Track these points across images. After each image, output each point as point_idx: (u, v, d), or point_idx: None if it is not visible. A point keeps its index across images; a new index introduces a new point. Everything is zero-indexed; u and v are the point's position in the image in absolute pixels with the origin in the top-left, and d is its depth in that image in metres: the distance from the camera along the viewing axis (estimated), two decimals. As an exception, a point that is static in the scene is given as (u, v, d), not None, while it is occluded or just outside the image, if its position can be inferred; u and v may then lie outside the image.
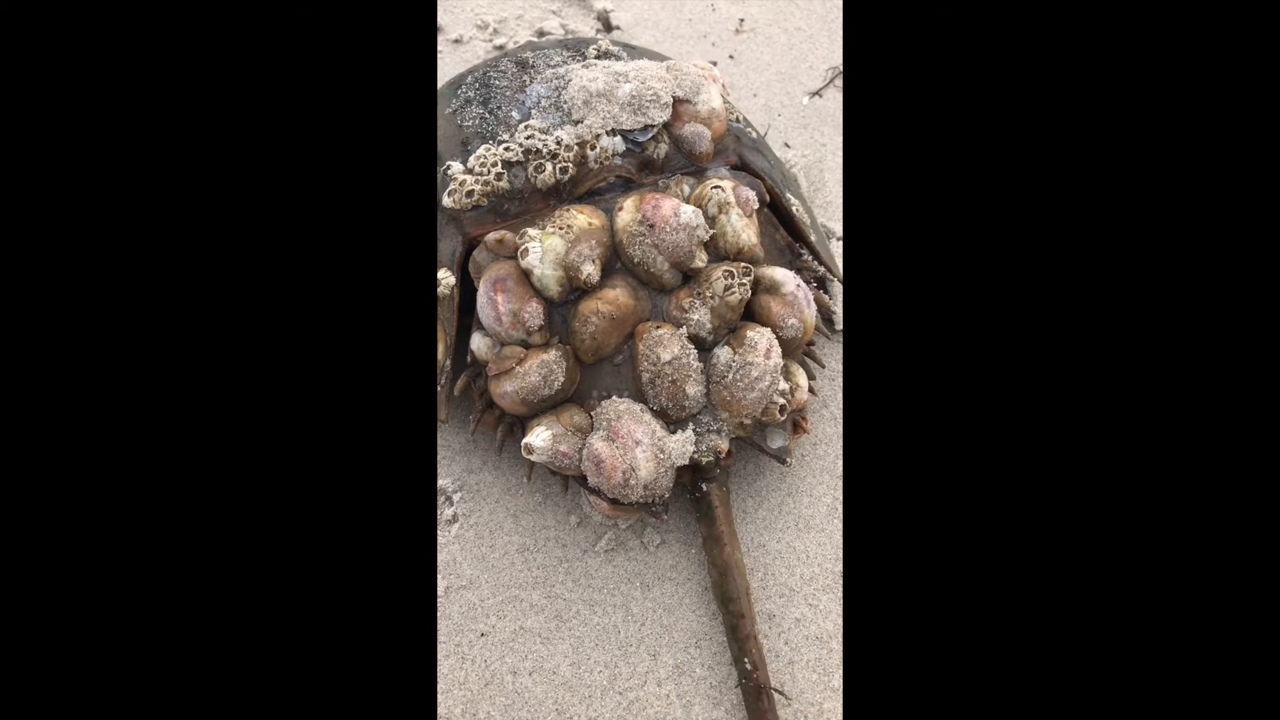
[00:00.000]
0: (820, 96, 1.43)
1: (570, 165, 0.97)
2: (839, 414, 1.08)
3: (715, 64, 1.47)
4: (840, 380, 1.11)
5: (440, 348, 0.98)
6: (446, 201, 0.97)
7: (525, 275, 0.93)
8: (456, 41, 1.48)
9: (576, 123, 0.99)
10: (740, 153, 1.07)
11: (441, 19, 1.51)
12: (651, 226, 0.93)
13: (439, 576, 0.96)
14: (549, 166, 0.97)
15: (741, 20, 1.54)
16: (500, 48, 1.46)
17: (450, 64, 1.44)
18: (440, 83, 1.41)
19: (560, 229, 0.93)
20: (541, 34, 1.48)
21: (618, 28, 1.51)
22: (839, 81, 1.44)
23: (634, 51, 1.15)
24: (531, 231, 0.93)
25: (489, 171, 0.97)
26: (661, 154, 1.02)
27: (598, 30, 1.50)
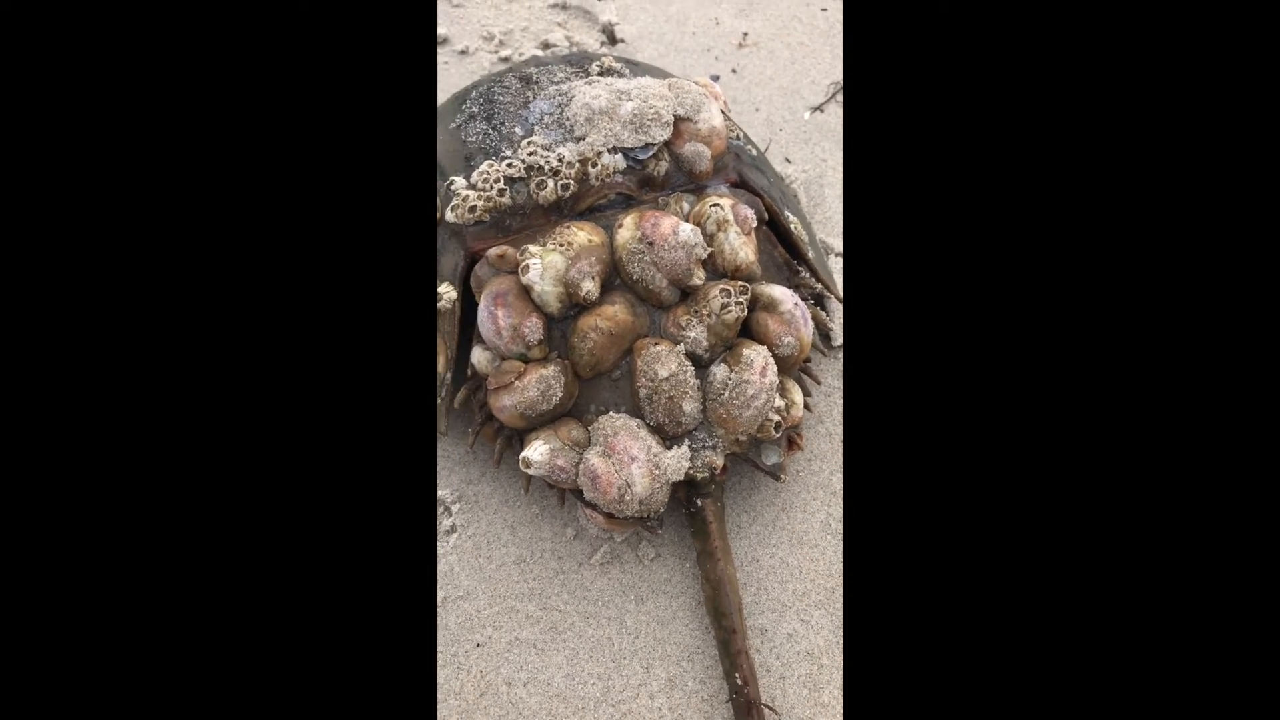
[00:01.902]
0: (822, 111, 1.44)
1: (572, 182, 0.99)
2: (834, 430, 1.09)
3: (718, 78, 1.49)
4: (836, 397, 1.12)
5: (441, 360, 0.99)
6: (450, 216, 0.99)
7: (526, 291, 0.94)
8: (463, 53, 1.49)
9: (579, 140, 1.01)
10: (740, 170, 1.08)
11: (448, 30, 1.52)
12: (650, 244, 0.94)
13: (437, 587, 0.97)
14: (551, 183, 0.98)
15: (745, 34, 1.56)
16: (506, 60, 1.48)
17: (456, 75, 1.46)
18: (444, 97, 1.42)
19: (561, 246, 0.95)
20: (547, 46, 1.49)
21: (622, 40, 1.52)
22: (840, 97, 1.45)
23: (637, 68, 1.16)
24: (532, 248, 0.94)
25: (491, 187, 0.98)
26: (662, 171, 1.03)
27: (602, 43, 1.52)
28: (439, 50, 1.50)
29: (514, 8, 1.57)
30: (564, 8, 1.57)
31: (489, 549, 1.00)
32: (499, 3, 1.58)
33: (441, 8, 1.56)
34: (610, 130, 1.00)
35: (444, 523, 1.01)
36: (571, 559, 0.99)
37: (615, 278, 0.98)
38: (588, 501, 0.93)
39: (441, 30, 1.51)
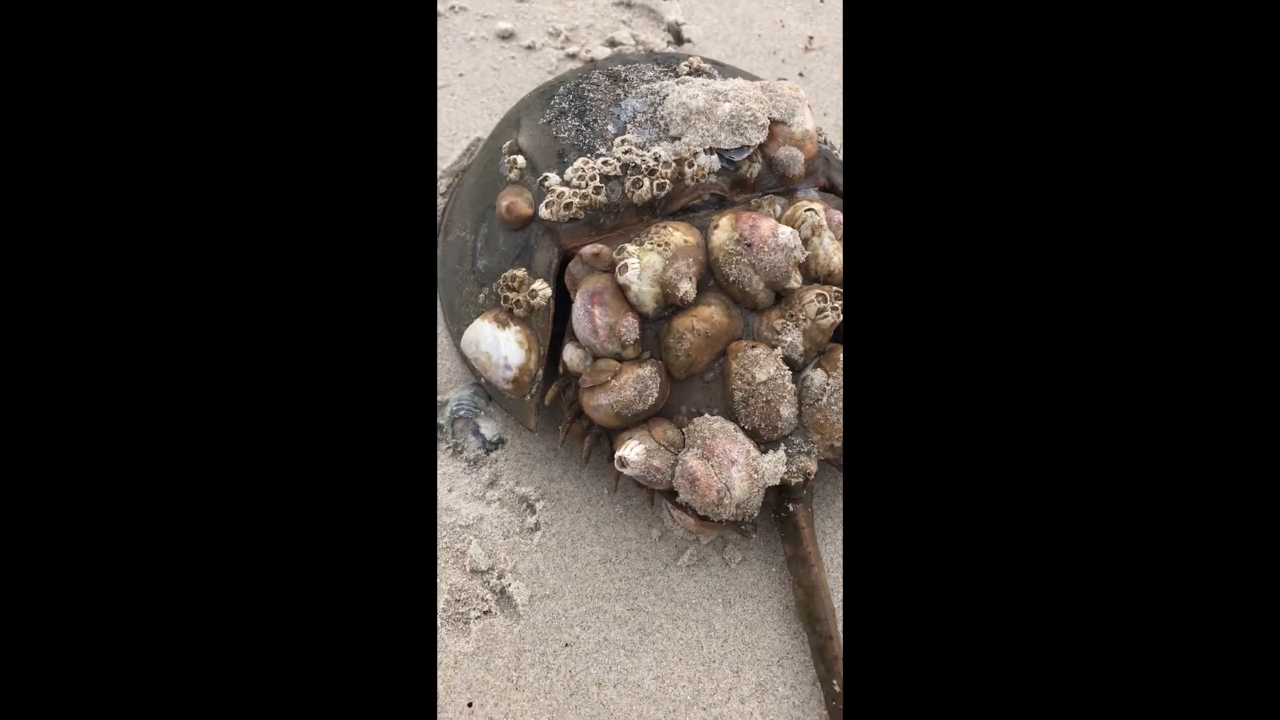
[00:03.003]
0: (890, 117, 1.44)
1: (668, 182, 0.98)
2: (915, 437, 1.09)
3: (784, 82, 1.48)
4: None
5: (532, 357, 0.98)
6: (544, 213, 0.98)
7: (622, 290, 0.94)
8: (529, 48, 1.48)
9: (674, 139, 1.00)
10: (829, 174, 1.08)
11: (514, 25, 1.51)
12: (749, 246, 0.93)
13: (523, 584, 0.97)
14: (646, 182, 0.98)
15: (810, 38, 1.55)
16: (573, 55, 1.47)
17: (524, 70, 1.45)
18: (514, 90, 1.42)
19: (658, 246, 0.94)
20: (613, 44, 1.49)
21: (689, 41, 1.51)
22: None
23: (724, 69, 1.16)
24: (630, 248, 0.94)
25: (587, 185, 0.98)
26: (755, 174, 1.02)
27: (669, 42, 1.51)
28: (505, 44, 1.49)
29: (579, 4, 1.56)
30: (629, 6, 1.57)
31: (574, 547, 0.99)
32: (564, -1, 1.57)
33: (507, 2, 1.55)
34: (707, 131, 1.00)
35: (528, 520, 1.01)
36: (657, 560, 0.99)
37: (709, 279, 0.97)
38: (679, 503, 0.93)
39: (507, 24, 1.50)
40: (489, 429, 1.07)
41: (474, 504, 1.02)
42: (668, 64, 1.13)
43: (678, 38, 1.52)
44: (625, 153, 0.99)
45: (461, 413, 1.06)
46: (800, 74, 1.49)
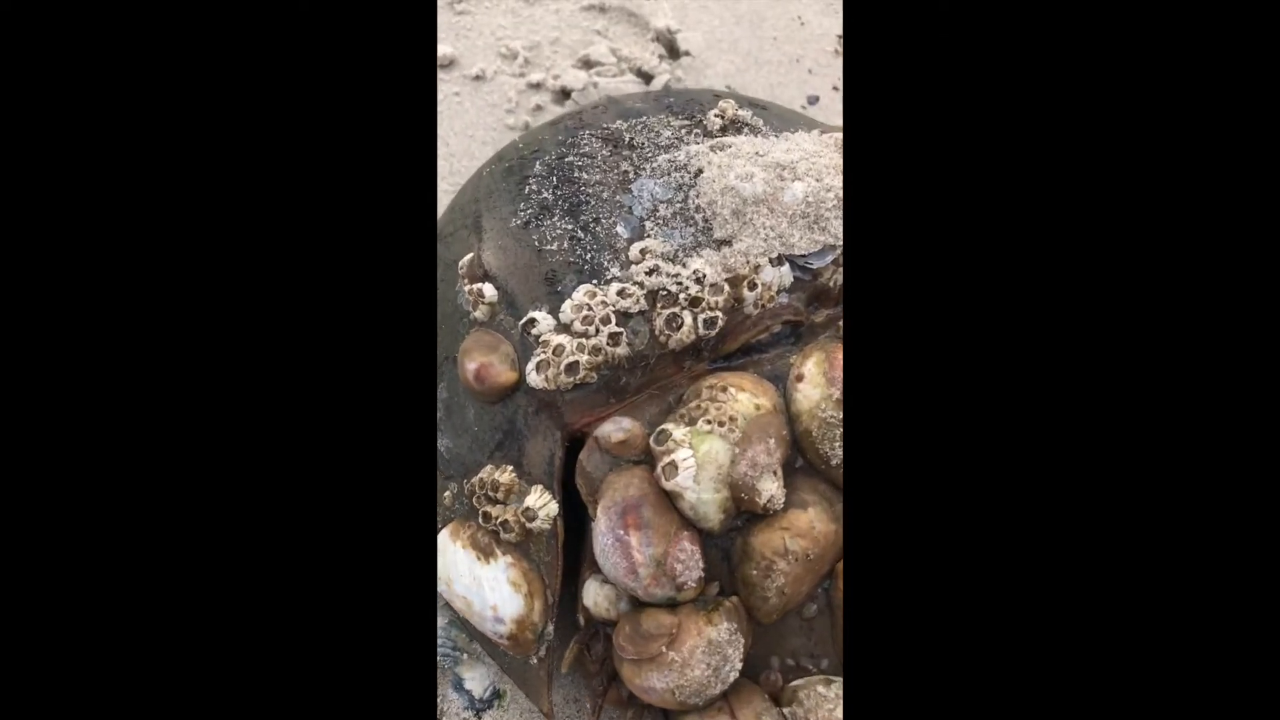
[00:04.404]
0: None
1: (719, 315, 0.64)
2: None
3: (817, 100, 1.14)
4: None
5: (536, 605, 0.64)
6: (534, 379, 0.63)
7: (669, 496, 0.60)
8: (478, 78, 1.11)
9: (721, 244, 0.66)
10: (936, 262, 0.75)
11: (454, 48, 1.14)
12: (859, 414, 0.60)
13: None
14: (688, 319, 0.63)
15: (839, 37, 1.21)
16: (537, 85, 1.11)
17: (473, 109, 1.09)
18: (463, 142, 1.05)
19: (718, 424, 0.60)
20: (588, 64, 1.13)
21: (686, 53, 1.16)
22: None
23: (764, 113, 0.80)
24: (676, 433, 0.60)
25: (599, 332, 0.63)
26: (839, 281, 0.69)
27: (661, 56, 1.15)
28: (445, 76, 1.12)
29: (536, 12, 1.20)
30: (602, 10, 1.20)
31: None
32: (516, 6, 1.20)
33: (443, 17, 1.18)
34: (772, 228, 0.65)
35: (550, 832, 0.68)
36: None
37: (795, 459, 0.64)
38: (781, 810, 0.61)
39: (445, 49, 1.13)
40: (475, 678, 0.73)
41: (466, 808, 0.68)
42: (687, 112, 0.78)
43: (671, 49, 1.17)
44: (650, 272, 0.64)
45: (434, 658, 0.72)
46: (835, 88, 1.15)
